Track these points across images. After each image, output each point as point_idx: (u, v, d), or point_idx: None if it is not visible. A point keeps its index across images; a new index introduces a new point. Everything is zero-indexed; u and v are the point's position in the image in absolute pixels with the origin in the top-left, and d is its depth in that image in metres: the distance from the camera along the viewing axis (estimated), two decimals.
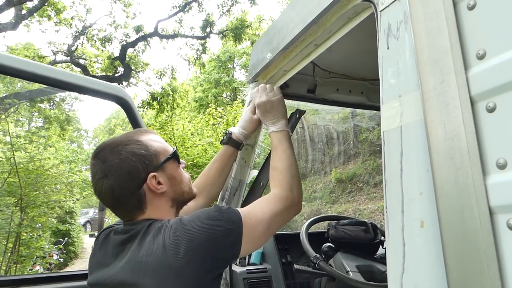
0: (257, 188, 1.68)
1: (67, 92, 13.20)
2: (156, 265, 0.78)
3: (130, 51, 11.66)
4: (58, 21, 10.91)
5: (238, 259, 2.01)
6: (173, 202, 0.98)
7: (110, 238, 0.94)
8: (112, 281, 0.84)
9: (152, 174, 0.91)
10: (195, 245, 0.80)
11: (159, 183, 0.92)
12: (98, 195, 0.92)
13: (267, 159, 1.71)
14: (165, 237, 0.81)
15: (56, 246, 8.67)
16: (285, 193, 1.08)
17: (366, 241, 1.70)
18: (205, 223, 0.83)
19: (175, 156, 0.99)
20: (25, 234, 6.29)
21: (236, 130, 1.38)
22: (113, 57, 11.57)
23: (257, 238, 0.94)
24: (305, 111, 1.62)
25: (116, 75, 11.76)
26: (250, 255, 2.06)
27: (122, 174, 0.88)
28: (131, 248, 0.85)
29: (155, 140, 0.97)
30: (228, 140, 1.38)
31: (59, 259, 8.47)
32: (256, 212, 0.97)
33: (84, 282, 0.96)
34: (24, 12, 9.33)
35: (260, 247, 1.02)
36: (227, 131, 1.41)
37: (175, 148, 1.02)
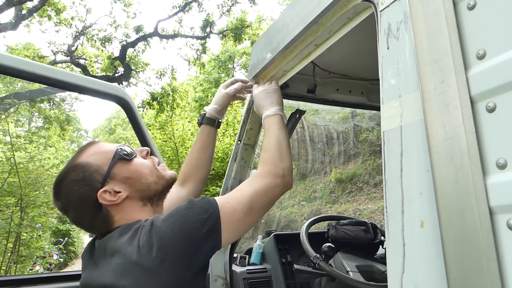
0: None
1: (67, 92, 13.20)
2: (131, 266, 0.76)
3: (130, 51, 11.66)
4: (58, 21, 10.91)
5: (238, 258, 2.01)
6: (143, 201, 0.93)
7: (95, 242, 0.93)
8: (94, 284, 0.83)
9: (100, 190, 0.87)
10: (167, 242, 0.77)
11: (116, 192, 0.88)
12: None
13: None
14: (139, 238, 0.79)
15: (56, 246, 8.68)
16: (268, 167, 1.02)
17: (366, 241, 1.70)
18: (176, 218, 0.80)
19: (118, 157, 0.91)
20: (25, 234, 6.29)
21: (209, 108, 1.37)
22: (113, 57, 11.57)
23: (239, 222, 0.88)
24: (305, 111, 1.62)
25: (116, 75, 11.76)
26: (250, 255, 2.06)
27: (75, 206, 0.88)
28: (110, 249, 0.84)
29: (93, 154, 0.91)
30: (202, 119, 1.36)
31: (59, 259, 8.47)
32: (235, 195, 0.92)
33: None
34: (24, 12, 9.33)
35: (247, 230, 0.95)
36: (201, 113, 1.39)
37: (118, 147, 0.94)
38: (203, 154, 1.34)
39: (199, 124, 1.38)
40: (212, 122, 1.36)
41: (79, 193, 0.87)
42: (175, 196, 1.21)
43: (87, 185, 0.87)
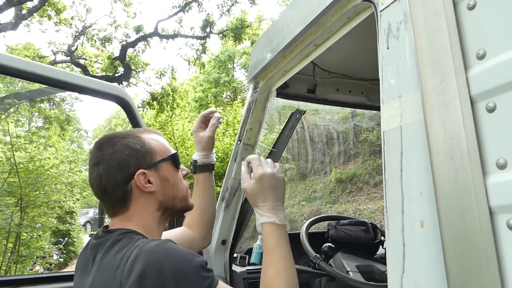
0: None
1: (67, 92, 13.21)
2: (103, 285, 0.74)
3: (130, 51, 11.66)
4: (58, 21, 10.92)
5: (238, 258, 2.01)
6: (161, 206, 0.92)
7: (89, 243, 0.91)
8: None
9: (141, 170, 0.87)
10: (145, 283, 0.69)
11: (149, 181, 0.89)
12: (89, 183, 0.91)
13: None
14: (123, 257, 0.73)
15: (56, 246, 8.67)
16: None
17: (366, 241, 1.70)
18: (168, 264, 0.70)
19: (172, 159, 0.95)
20: (25, 234, 6.29)
21: (198, 157, 1.30)
22: (113, 57, 11.57)
23: None
24: (305, 111, 1.63)
25: (116, 75, 11.77)
26: (250, 255, 2.06)
27: (112, 164, 0.86)
28: (97, 259, 0.82)
29: (155, 139, 0.94)
30: (195, 167, 1.30)
31: (59, 259, 8.47)
32: None
33: None
34: (24, 12, 9.33)
35: None
36: (191, 161, 1.32)
37: (176, 152, 0.97)
38: (202, 201, 1.28)
39: (193, 173, 1.30)
40: (206, 168, 1.30)
41: (124, 157, 0.87)
42: (180, 232, 1.21)
43: (136, 158, 0.88)
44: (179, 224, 1.38)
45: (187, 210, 1.00)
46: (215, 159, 1.33)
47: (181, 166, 1.01)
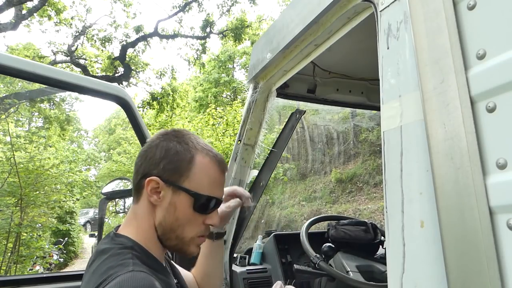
0: (257, 188, 1.68)
1: (67, 92, 13.21)
2: None
3: (130, 51, 11.66)
4: (58, 21, 10.91)
5: (238, 258, 2.01)
6: (159, 226, 0.84)
7: (99, 245, 0.89)
8: None
9: (156, 178, 0.81)
10: None
11: (158, 192, 0.82)
12: None
13: (267, 159, 1.71)
14: (106, 279, 0.71)
15: (56, 246, 8.68)
16: None
17: (366, 241, 1.70)
18: None
19: (198, 199, 0.82)
20: (25, 234, 6.30)
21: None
22: (113, 57, 11.57)
23: None
24: (305, 111, 1.63)
25: (116, 75, 11.77)
26: (250, 255, 2.07)
27: (148, 154, 0.84)
28: (92, 265, 0.80)
29: (204, 170, 0.84)
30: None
31: (59, 259, 8.47)
32: None
33: None
34: (24, 12, 9.33)
35: None
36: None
37: (209, 197, 0.84)
38: (209, 266, 1.16)
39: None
40: (218, 236, 1.15)
41: (156, 156, 0.83)
42: (191, 278, 1.13)
43: (163, 166, 0.82)
44: (178, 260, 1.34)
45: (181, 253, 0.89)
46: (225, 228, 1.19)
47: (214, 218, 0.87)
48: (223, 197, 0.96)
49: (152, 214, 0.84)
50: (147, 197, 0.83)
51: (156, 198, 0.82)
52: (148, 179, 0.81)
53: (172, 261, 1.02)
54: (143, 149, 0.87)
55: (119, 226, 0.91)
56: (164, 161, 0.82)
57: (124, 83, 11.72)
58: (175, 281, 0.91)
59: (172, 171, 0.82)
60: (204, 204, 0.84)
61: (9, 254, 5.90)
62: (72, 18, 11.17)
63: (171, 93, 12.07)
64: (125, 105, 1.51)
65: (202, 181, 0.83)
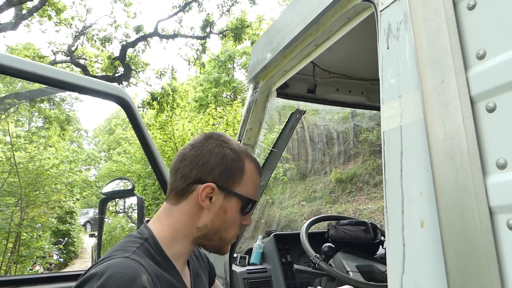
0: None
1: (67, 92, 13.21)
2: None
3: (130, 51, 11.66)
4: (58, 21, 10.91)
5: (238, 258, 2.02)
6: (203, 228, 0.86)
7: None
8: None
9: (212, 184, 0.82)
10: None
11: (210, 198, 0.84)
12: (176, 154, 0.90)
13: (267, 159, 1.71)
14: (107, 257, 0.73)
15: (56, 246, 8.68)
16: None
17: (366, 241, 1.70)
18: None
19: (247, 203, 0.88)
20: (25, 234, 6.30)
21: None
22: (113, 57, 11.56)
23: None
24: (305, 111, 1.63)
25: (116, 75, 11.76)
26: (250, 255, 2.07)
27: (200, 159, 0.84)
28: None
29: (253, 177, 0.89)
30: None
31: (59, 259, 8.48)
32: None
33: None
34: (24, 12, 9.32)
35: None
36: None
37: (255, 201, 0.91)
38: None
39: None
40: None
41: (213, 163, 0.84)
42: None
43: (220, 172, 0.84)
44: None
45: (218, 252, 0.94)
46: None
47: (249, 219, 0.94)
48: None
49: (195, 217, 0.85)
50: (196, 201, 0.84)
51: (208, 202, 0.84)
52: (205, 185, 0.83)
53: (201, 273, 1.00)
54: (191, 153, 0.86)
55: (149, 220, 0.91)
56: (220, 168, 0.84)
57: (124, 83, 11.72)
58: (188, 285, 0.89)
59: (227, 177, 0.85)
60: (249, 207, 0.89)
61: (9, 254, 5.90)
62: (72, 18, 11.17)
63: (171, 93, 12.07)
64: (125, 105, 1.51)
65: (249, 186, 0.88)
